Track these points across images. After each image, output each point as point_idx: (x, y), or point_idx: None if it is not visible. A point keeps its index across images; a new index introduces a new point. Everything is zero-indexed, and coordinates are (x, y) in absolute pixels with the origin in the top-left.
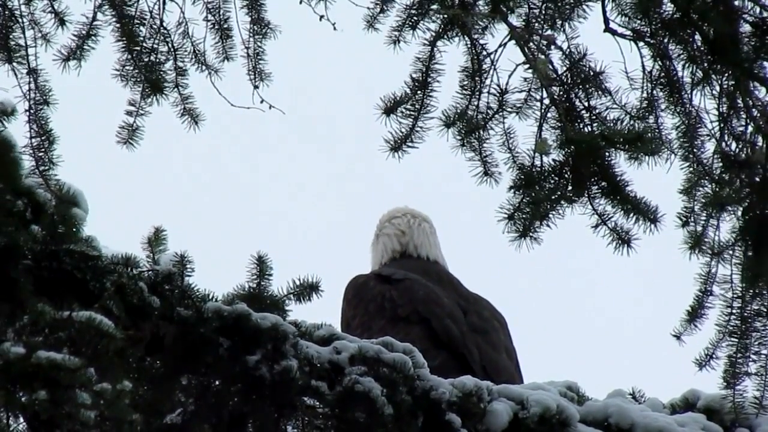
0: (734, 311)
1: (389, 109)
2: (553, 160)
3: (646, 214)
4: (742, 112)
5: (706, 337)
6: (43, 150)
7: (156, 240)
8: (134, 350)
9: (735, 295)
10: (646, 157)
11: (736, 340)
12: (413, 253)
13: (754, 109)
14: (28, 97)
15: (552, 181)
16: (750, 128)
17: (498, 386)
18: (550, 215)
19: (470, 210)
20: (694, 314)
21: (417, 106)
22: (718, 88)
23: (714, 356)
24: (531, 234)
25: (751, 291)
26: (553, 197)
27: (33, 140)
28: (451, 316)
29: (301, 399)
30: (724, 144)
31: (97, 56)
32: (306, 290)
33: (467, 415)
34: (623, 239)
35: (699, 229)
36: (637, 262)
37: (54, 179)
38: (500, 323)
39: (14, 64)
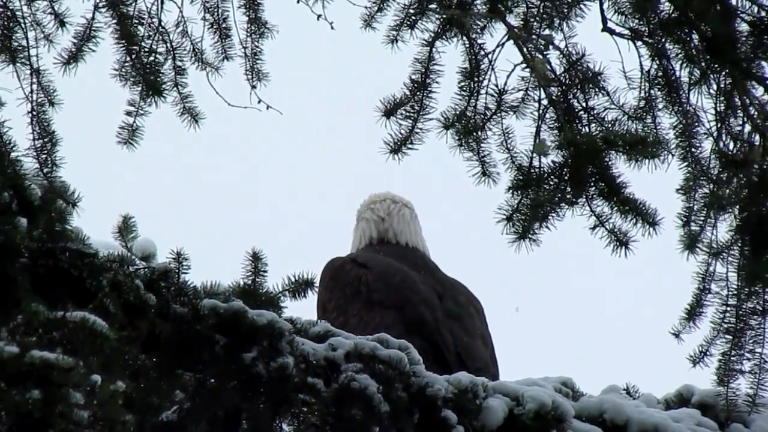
0: (729, 309)
1: (389, 111)
2: (552, 161)
3: (646, 217)
4: (739, 111)
5: (699, 334)
6: (45, 152)
7: (126, 228)
8: (130, 348)
9: (730, 293)
10: (647, 161)
11: (731, 337)
12: (392, 239)
13: (751, 108)
14: (30, 99)
15: (551, 183)
16: (747, 127)
17: (493, 382)
18: (550, 217)
19: (467, 207)
20: (693, 312)
21: (416, 108)
22: (715, 87)
23: (708, 353)
24: (530, 236)
25: (747, 289)
26: (553, 199)
27: (36, 142)
28: (426, 302)
29: (297, 396)
30: (721, 143)
31: (96, 56)
32: (301, 287)
33: (463, 411)
34: (621, 241)
35: (696, 229)
36: (632, 258)
37: (59, 181)
38: (476, 309)
39: (17, 64)
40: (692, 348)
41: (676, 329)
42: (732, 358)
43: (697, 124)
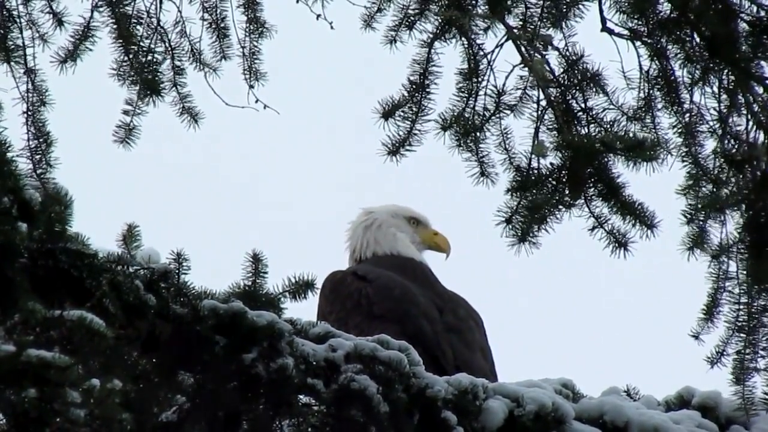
0: (741, 307)
1: (387, 113)
2: (551, 163)
3: (644, 219)
4: (742, 108)
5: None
6: (40, 152)
7: (130, 237)
8: (130, 348)
9: (742, 291)
10: (645, 163)
11: (744, 336)
12: (377, 252)
13: (754, 105)
14: (25, 99)
15: (550, 185)
16: (751, 124)
17: (493, 384)
18: (548, 219)
19: (462, 207)
20: (711, 312)
21: (415, 109)
22: (716, 86)
23: (725, 353)
24: (530, 238)
25: (756, 287)
26: (551, 201)
27: (30, 142)
28: (426, 315)
29: (297, 397)
30: (724, 142)
31: (94, 55)
32: (301, 288)
33: (463, 412)
34: (620, 242)
35: (697, 229)
36: (632, 259)
37: (51, 182)
38: (476, 322)
39: (12, 64)
40: (694, 349)
41: (695, 330)
42: (746, 356)
43: (698, 123)
